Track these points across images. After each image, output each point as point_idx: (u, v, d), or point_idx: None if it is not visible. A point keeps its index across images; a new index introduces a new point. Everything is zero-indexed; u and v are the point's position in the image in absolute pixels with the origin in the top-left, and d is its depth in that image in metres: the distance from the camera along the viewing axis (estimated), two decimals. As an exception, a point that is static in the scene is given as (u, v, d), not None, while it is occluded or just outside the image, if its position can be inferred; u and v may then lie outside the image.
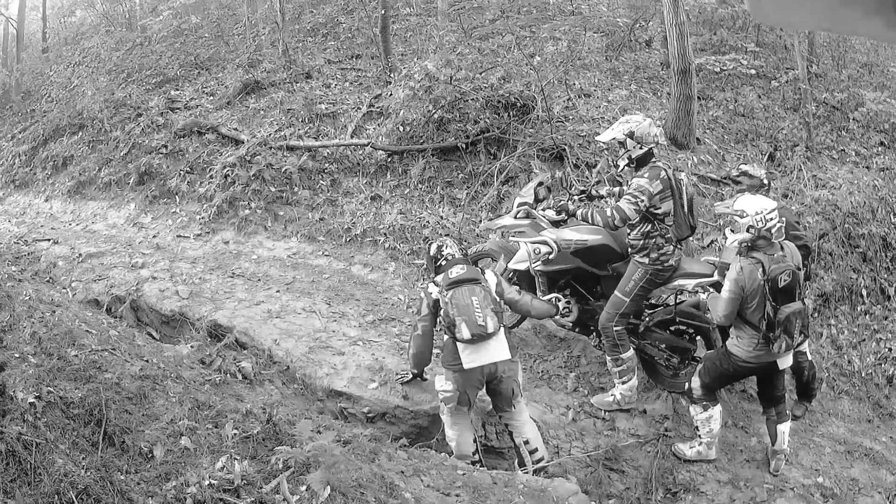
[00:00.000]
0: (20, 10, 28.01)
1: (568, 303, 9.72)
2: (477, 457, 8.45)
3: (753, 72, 16.45)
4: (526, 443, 8.32)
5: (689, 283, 9.14)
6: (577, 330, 10.14)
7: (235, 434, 7.19)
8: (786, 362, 8.40)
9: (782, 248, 8.17)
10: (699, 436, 8.79)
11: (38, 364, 7.84)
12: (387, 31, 17.67)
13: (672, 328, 9.61)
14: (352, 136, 15.39)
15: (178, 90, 20.07)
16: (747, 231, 7.97)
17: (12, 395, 7.04)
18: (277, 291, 11.90)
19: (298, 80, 18.09)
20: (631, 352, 9.29)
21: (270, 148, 15.54)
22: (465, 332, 7.87)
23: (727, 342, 8.49)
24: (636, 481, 8.73)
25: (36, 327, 8.80)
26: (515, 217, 9.99)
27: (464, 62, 15.04)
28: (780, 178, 13.40)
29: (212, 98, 19.02)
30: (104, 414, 7.12)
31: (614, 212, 8.48)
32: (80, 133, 19.49)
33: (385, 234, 13.04)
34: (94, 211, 16.92)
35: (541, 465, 8.24)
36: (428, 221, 13.03)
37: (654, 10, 18.16)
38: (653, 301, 9.57)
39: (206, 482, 6.32)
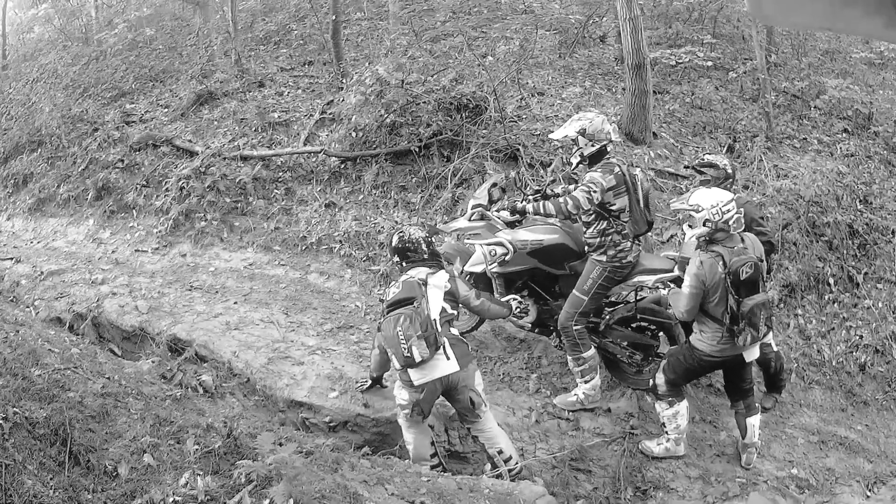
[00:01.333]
0: (-19, 29, 27.70)
1: (524, 304, 9.63)
2: (436, 460, 8.47)
3: (710, 64, 16.61)
4: (500, 453, 8.31)
5: (649, 279, 9.21)
6: (536, 331, 10.21)
7: (197, 449, 7.13)
8: (752, 355, 8.48)
9: (742, 239, 8.22)
10: (666, 432, 8.84)
11: (4, 385, 7.73)
12: (338, 37, 17.70)
13: (634, 325, 9.67)
14: (305, 144, 15.41)
15: (133, 103, 19.98)
16: (704, 225, 8.03)
17: None
18: (235, 303, 11.90)
19: (251, 89, 18.07)
20: (592, 350, 9.35)
21: (224, 158, 15.54)
22: (395, 363, 7.98)
23: (690, 337, 8.55)
24: (604, 481, 8.79)
25: (0, 347, 8.66)
26: (470, 219, 10.02)
27: (415, 65, 15.17)
28: (740, 170, 13.38)
29: (166, 110, 18.96)
30: (69, 433, 7.07)
31: (567, 199, 8.53)
32: (39, 150, 19.44)
33: (340, 241, 13.05)
34: (54, 228, 16.89)
35: (515, 470, 8.21)
36: (383, 227, 13.02)
37: (608, 5, 18.18)
38: (613, 299, 9.63)
39: (171, 499, 6.31)
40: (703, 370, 8.87)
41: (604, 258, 8.96)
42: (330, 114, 16.06)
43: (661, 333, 9.68)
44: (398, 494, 6.93)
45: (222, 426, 7.60)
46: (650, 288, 9.50)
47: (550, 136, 9.75)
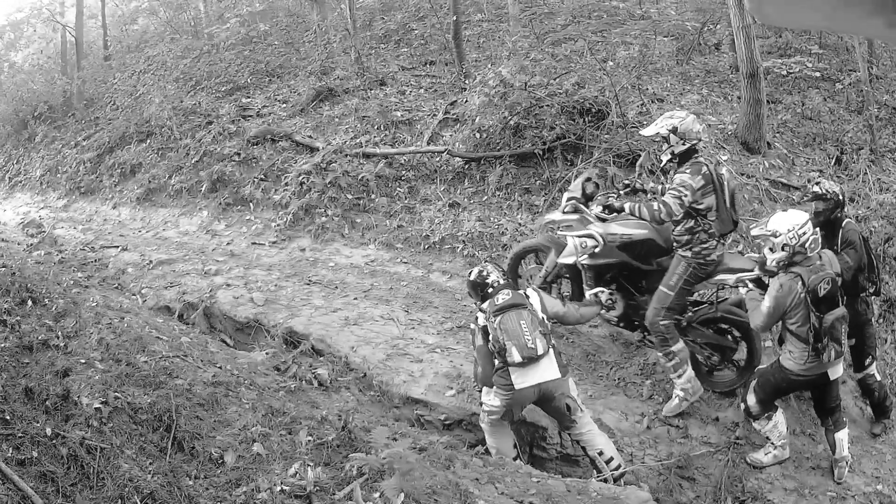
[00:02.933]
0: (77, 18, 28.23)
1: (613, 297, 9.88)
2: (519, 461, 8.38)
3: (818, 74, 16.38)
4: (600, 454, 8.41)
5: (731, 278, 9.36)
6: (621, 325, 10.41)
7: (310, 441, 7.38)
8: (837, 372, 8.62)
9: (820, 257, 8.42)
10: (771, 442, 8.95)
11: (106, 370, 8.11)
12: (459, 37, 17.74)
13: (715, 327, 9.87)
14: (428, 143, 15.48)
15: (249, 98, 20.25)
16: (782, 249, 8.27)
17: (76, 401, 7.41)
18: (355, 299, 11.99)
19: (372, 87, 18.14)
20: (681, 344, 9.58)
21: (346, 155, 15.66)
22: (515, 355, 8.06)
23: (780, 357, 8.68)
24: (706, 489, 8.80)
25: (104, 333, 9.06)
26: (564, 212, 10.25)
27: (538, 68, 15.12)
28: (846, 182, 13.42)
29: (284, 105, 19.16)
30: (174, 420, 7.43)
31: (661, 206, 8.85)
32: (149, 140, 19.73)
33: (463, 241, 13.09)
34: (164, 218, 17.14)
35: (619, 471, 8.34)
36: (506, 228, 13.07)
37: (722, 13, 17.99)
38: (696, 298, 9.86)
39: (278, 488, 6.51)
40: (791, 389, 9.06)
41: (689, 254, 9.23)
42: (453, 114, 16.18)
43: (741, 338, 9.81)
44: (508, 494, 7.01)
45: (336, 419, 7.92)
46: (731, 286, 9.57)
47: (642, 132, 10.13)
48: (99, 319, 9.67)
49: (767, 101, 14.87)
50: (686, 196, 8.85)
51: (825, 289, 8.19)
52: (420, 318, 11.37)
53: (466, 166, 14.67)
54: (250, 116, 18.97)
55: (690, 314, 9.82)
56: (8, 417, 6.99)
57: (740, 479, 8.80)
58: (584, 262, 10.14)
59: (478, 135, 14.67)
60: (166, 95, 20.68)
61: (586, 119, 13.87)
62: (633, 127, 13.78)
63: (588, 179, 10.50)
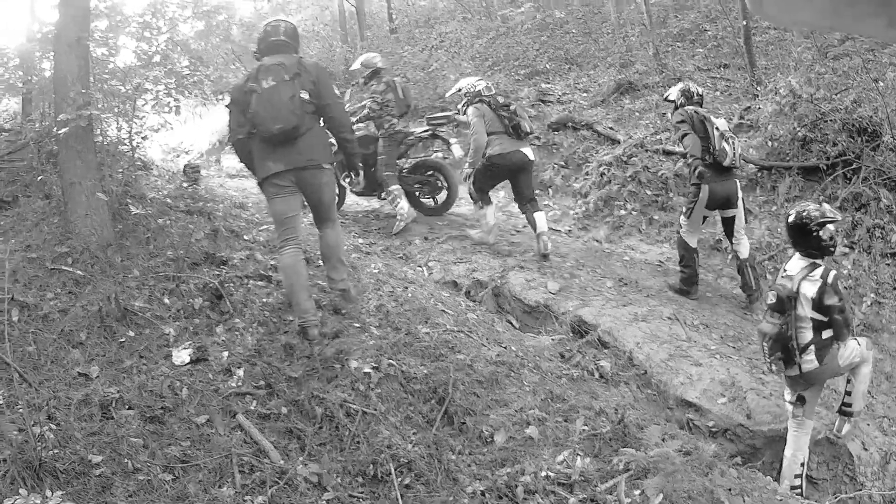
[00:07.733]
0: (357, -11, 28.92)
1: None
2: (798, 482, 8.34)
3: None
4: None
5: (418, 130, 15.38)
6: (365, 194, 15.67)
7: (584, 430, 7.67)
8: (530, 153, 13.05)
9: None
10: (488, 223, 13.80)
11: (382, 336, 8.53)
12: (750, 43, 17.76)
13: (422, 172, 15.44)
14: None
15: (548, 83, 20.72)
16: (465, 96, 13.32)
17: (344, 363, 7.67)
18: (647, 296, 11.92)
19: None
20: (396, 185, 14.68)
21: (646, 150, 15.92)
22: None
23: (485, 159, 13.10)
24: None
25: (383, 300, 9.48)
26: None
27: (821, 81, 15.10)
28: None
29: (585, 95, 19.63)
30: (449, 393, 7.76)
31: (363, 107, 14.74)
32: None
33: (755, 249, 12.78)
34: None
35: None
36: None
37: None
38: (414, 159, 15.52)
39: (543, 473, 6.83)
40: (499, 174, 13.34)
41: (382, 131, 14.70)
42: (748, 119, 16.04)
43: (442, 178, 15.34)
44: (751, 509, 7.16)
45: (613, 412, 8.16)
46: (419, 134, 15.24)
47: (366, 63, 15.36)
48: (380, 286, 10.16)
49: None
50: (376, 97, 14.50)
51: (503, 98, 13.21)
52: (706, 321, 11.30)
53: (759, 174, 14.69)
54: (550, 102, 19.50)
55: (400, 167, 15.14)
56: (259, 371, 7.56)
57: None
58: None
59: (770, 143, 14.69)
60: (462, 73, 21.07)
61: (863, 138, 13.71)
62: (897, 151, 13.62)
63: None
